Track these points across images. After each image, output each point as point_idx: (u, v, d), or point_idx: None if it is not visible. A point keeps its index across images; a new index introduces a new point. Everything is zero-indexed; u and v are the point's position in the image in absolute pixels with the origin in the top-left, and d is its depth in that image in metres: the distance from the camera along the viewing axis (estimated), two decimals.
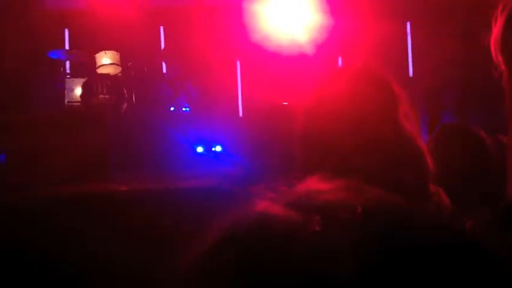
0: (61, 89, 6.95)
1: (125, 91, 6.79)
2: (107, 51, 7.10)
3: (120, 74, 7.05)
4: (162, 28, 7.96)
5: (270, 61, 7.59)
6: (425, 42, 7.84)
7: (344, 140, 1.46)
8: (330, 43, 7.62)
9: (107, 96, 6.72)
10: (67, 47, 7.87)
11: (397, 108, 1.52)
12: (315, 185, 0.80)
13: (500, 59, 1.31)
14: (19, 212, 4.16)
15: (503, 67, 1.30)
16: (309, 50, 7.61)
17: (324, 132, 1.49)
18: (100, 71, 7.02)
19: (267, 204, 0.76)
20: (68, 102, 6.91)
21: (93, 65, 7.10)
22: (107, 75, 6.87)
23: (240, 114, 8.02)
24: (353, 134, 1.46)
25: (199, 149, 6.26)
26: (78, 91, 6.86)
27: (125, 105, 6.75)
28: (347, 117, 1.48)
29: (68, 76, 7.14)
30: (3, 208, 4.19)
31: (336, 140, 1.47)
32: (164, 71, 7.83)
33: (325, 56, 7.56)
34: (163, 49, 8.06)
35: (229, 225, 0.76)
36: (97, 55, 7.10)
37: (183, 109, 7.27)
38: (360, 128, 1.46)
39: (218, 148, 6.28)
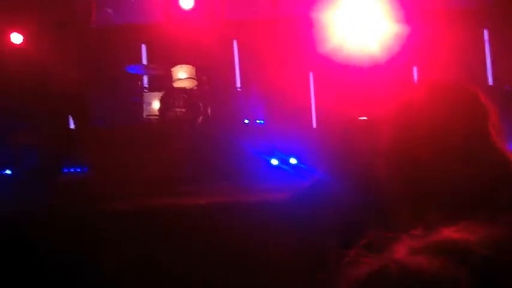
0: (139, 103, 7.14)
1: (201, 104, 6.91)
2: (183, 65, 7.25)
3: (195, 88, 7.17)
4: (235, 41, 8.06)
5: (343, 72, 7.52)
6: (504, 50, 7.59)
7: (434, 155, 1.42)
8: (404, 52, 7.48)
9: (183, 110, 6.86)
10: (144, 61, 8.08)
11: (486, 120, 1.47)
12: (452, 233, 0.78)
13: None
14: (98, 222, 4.29)
15: None
16: (383, 60, 7.50)
17: (414, 147, 1.46)
18: (176, 85, 7.18)
19: (409, 251, 0.74)
20: (146, 115, 7.09)
21: (169, 79, 7.26)
22: (183, 89, 7.02)
23: (314, 125, 7.99)
24: (444, 150, 1.42)
25: (274, 162, 6.28)
26: (155, 105, 7.04)
27: (200, 118, 6.87)
28: (437, 132, 1.44)
29: (145, 90, 7.33)
30: (84, 218, 4.33)
31: (426, 154, 1.43)
32: (238, 84, 7.92)
33: (399, 66, 7.43)
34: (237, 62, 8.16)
35: (370, 276, 0.75)
36: (173, 69, 7.26)
37: (257, 121, 7.32)
38: (450, 142, 1.43)
39: (293, 160, 6.28)
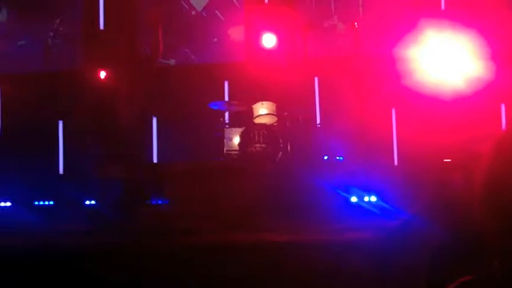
0: (220, 138, 7.26)
1: (281, 140, 6.95)
2: (263, 102, 7.34)
3: (276, 124, 7.23)
4: (316, 78, 8.09)
5: (427, 108, 7.38)
6: None
7: None
8: (491, 89, 7.26)
9: (263, 146, 6.92)
10: (227, 98, 8.25)
11: None
12: None
13: None
14: (179, 256, 4.34)
15: None
16: (468, 96, 7.30)
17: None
18: (257, 121, 7.27)
19: None
20: (226, 151, 7.19)
21: (250, 115, 7.36)
22: (263, 125, 7.10)
23: (396, 162, 7.84)
24: None
25: (353, 199, 6.19)
26: (236, 140, 7.14)
27: (280, 154, 6.89)
28: None
29: (227, 126, 7.46)
30: (165, 253, 4.40)
31: None
32: (318, 120, 7.92)
33: (486, 103, 7.21)
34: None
35: None
36: (254, 106, 7.36)
37: (337, 158, 7.27)
38: None
39: (373, 198, 6.17)
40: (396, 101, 7.88)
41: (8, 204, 7.13)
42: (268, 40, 7.97)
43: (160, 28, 8.25)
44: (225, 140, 7.24)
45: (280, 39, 7.95)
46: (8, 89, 8.57)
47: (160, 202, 6.74)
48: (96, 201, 6.68)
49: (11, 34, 8.97)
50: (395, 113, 8.08)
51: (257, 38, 8.07)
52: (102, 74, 8.19)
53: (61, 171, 8.10)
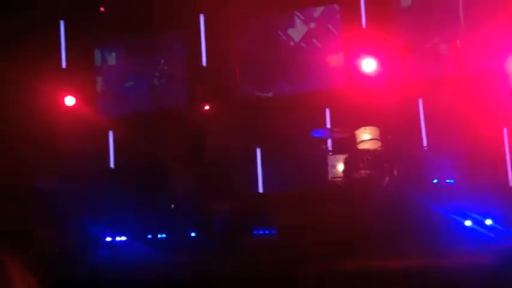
0: (324, 166, 7.21)
1: (386, 165, 6.79)
2: (366, 127, 7.24)
3: (380, 149, 7.09)
4: (420, 100, 7.89)
5: None
6: None
7: None
8: None
9: (368, 171, 6.80)
10: (328, 125, 8.22)
11: None
12: None
13: None
14: (288, 285, 4.32)
15: None
16: None
17: None
18: (360, 146, 7.17)
19: None
20: (331, 178, 7.14)
21: (353, 141, 7.28)
22: (367, 151, 6.98)
23: (511, 183, 7.44)
24: None
25: (468, 223, 5.91)
26: (340, 167, 7.06)
27: (387, 179, 6.74)
28: None
29: (330, 153, 7.41)
30: (274, 283, 4.40)
31: None
32: (425, 142, 7.69)
33: None
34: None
35: None
36: (357, 131, 7.27)
37: (447, 181, 6.99)
38: None
39: (488, 221, 5.86)
40: (507, 120, 7.52)
41: (124, 238, 7.41)
42: (368, 65, 7.90)
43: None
44: (329, 168, 7.19)
45: (379, 63, 7.86)
46: (118, 130, 9.01)
47: (267, 232, 6.76)
48: (203, 233, 6.80)
49: (120, 76, 9.47)
50: (507, 132, 7.70)
51: (356, 64, 8.02)
52: (206, 109, 8.44)
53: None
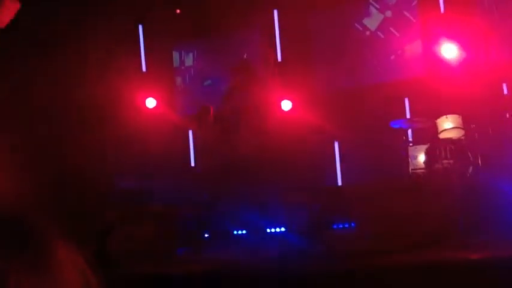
0: (405, 157, 7.02)
1: (470, 154, 6.52)
2: (448, 116, 6.97)
3: (463, 137, 6.82)
4: (504, 85, 7.50)
5: None
6: None
7: None
8: None
9: (451, 161, 6.55)
10: (408, 115, 7.99)
11: None
12: None
13: None
14: (368, 277, 4.23)
15: None
16: None
17: None
18: (442, 136, 6.91)
19: None
20: (412, 169, 6.93)
21: (435, 130, 7.03)
22: (449, 140, 6.73)
23: None
24: None
25: None
26: (421, 158, 6.85)
27: (471, 168, 6.46)
28: None
29: (410, 144, 7.20)
30: (354, 273, 4.32)
31: None
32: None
33: None
34: None
35: None
36: (438, 120, 7.01)
37: None
38: None
39: None
40: None
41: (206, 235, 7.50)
42: (448, 50, 7.61)
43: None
44: (409, 159, 6.99)
45: (460, 48, 7.55)
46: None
47: (346, 225, 6.67)
48: (284, 228, 6.80)
49: (197, 76, 9.64)
50: None
51: (436, 50, 7.75)
52: (287, 105, 8.42)
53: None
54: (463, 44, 7.60)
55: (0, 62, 6.13)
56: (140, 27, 9.55)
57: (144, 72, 9.52)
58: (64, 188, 6.82)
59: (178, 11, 9.41)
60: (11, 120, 6.38)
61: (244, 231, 7.21)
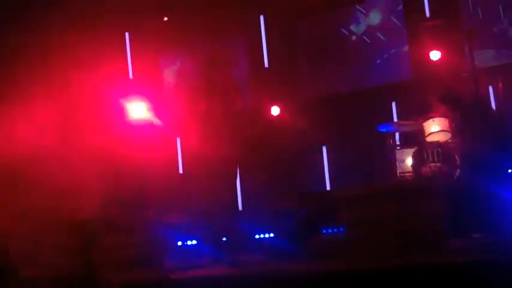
0: (392, 161, 7.04)
1: (457, 157, 6.55)
2: (434, 119, 7.00)
3: (450, 140, 6.84)
4: (490, 88, 7.54)
5: None
6: None
7: None
8: None
9: (438, 164, 6.57)
10: (395, 119, 8.01)
11: None
12: None
13: None
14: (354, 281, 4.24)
15: None
16: None
17: None
18: (429, 139, 6.94)
19: None
20: (400, 173, 6.95)
21: (422, 134, 7.06)
22: (436, 143, 6.75)
23: None
24: None
25: None
26: (409, 161, 6.87)
27: (458, 171, 6.49)
28: None
29: (398, 147, 7.22)
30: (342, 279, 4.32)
31: None
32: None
33: None
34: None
35: None
36: (425, 123, 7.05)
37: None
38: None
39: None
40: None
41: (194, 242, 7.50)
42: (434, 54, 7.65)
43: None
44: (397, 162, 7.01)
45: (445, 52, 7.59)
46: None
47: (335, 230, 6.66)
48: (272, 233, 6.79)
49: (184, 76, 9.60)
50: None
51: (421, 54, 7.79)
52: (275, 111, 8.42)
53: (240, 207, 8.37)
54: (446, 48, 7.64)
55: None
56: (127, 35, 9.53)
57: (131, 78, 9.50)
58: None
59: (165, 18, 9.41)
60: None
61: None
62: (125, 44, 9.51)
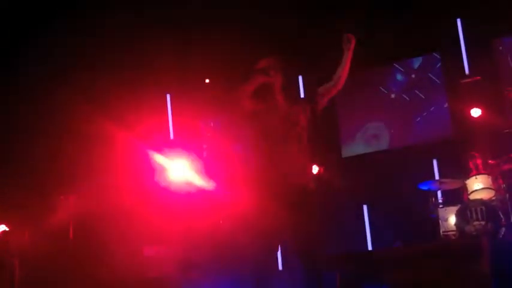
0: (435, 219, 6.91)
1: (501, 215, 6.39)
2: (477, 176, 6.88)
3: (494, 198, 6.70)
4: None
5: None
6: None
7: None
8: None
9: (482, 223, 6.42)
10: (437, 176, 7.90)
11: None
12: None
13: None
14: None
15: None
16: None
17: None
18: (472, 196, 6.80)
19: None
20: (443, 232, 6.81)
21: (465, 191, 6.93)
22: (480, 201, 6.61)
23: None
24: None
25: None
26: (452, 220, 6.73)
27: (503, 230, 6.32)
28: None
29: (440, 206, 7.09)
30: None
31: None
32: None
33: None
34: None
35: None
36: (468, 181, 6.92)
37: None
38: None
39: None
40: None
41: None
42: (474, 111, 7.60)
43: None
44: (440, 221, 6.87)
45: (485, 108, 7.53)
46: None
47: None
48: None
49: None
50: None
51: (461, 111, 7.75)
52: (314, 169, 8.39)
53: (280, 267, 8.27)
54: (487, 105, 7.59)
55: None
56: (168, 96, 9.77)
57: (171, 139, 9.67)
58: None
59: (207, 80, 9.58)
60: None
61: None
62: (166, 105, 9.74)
